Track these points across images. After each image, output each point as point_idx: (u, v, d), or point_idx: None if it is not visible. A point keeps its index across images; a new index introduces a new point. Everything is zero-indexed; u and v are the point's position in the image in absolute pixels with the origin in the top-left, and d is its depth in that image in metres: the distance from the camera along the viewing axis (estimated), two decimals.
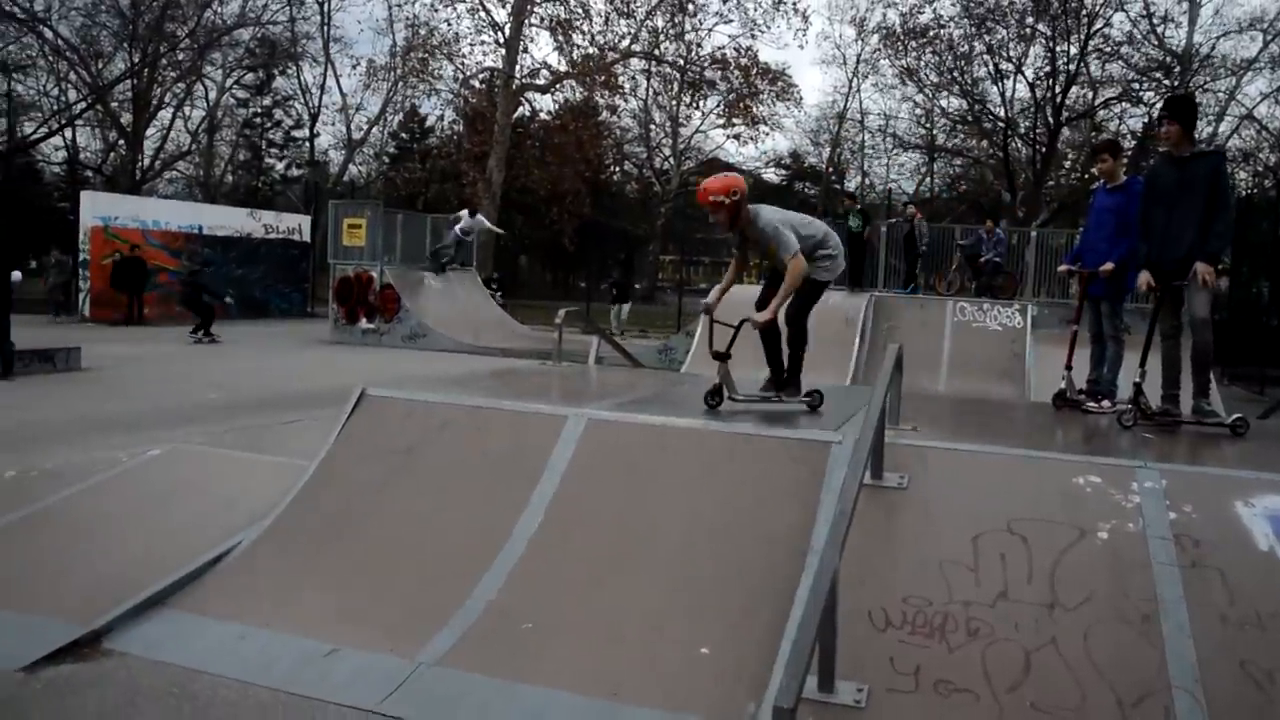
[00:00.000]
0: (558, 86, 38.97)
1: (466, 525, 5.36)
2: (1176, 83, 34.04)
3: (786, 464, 5.41)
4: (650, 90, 46.81)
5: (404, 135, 51.94)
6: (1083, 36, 35.78)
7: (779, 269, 6.59)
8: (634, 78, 42.79)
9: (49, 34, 37.67)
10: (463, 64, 38.92)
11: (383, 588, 5.03)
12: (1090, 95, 38.16)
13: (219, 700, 4.18)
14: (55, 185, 47.05)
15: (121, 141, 42.03)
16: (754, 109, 40.86)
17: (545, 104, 42.15)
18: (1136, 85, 36.69)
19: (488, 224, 25.98)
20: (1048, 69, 37.27)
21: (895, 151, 47.50)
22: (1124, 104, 37.77)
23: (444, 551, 5.22)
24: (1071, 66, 36.63)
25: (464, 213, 25.22)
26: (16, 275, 15.62)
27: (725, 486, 5.37)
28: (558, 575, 4.96)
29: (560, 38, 36.90)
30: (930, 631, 4.28)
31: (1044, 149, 38.61)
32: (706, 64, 40.24)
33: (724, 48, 40.70)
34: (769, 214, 6.59)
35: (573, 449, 5.70)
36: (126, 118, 40.63)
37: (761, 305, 6.67)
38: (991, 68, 39.02)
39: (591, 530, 5.23)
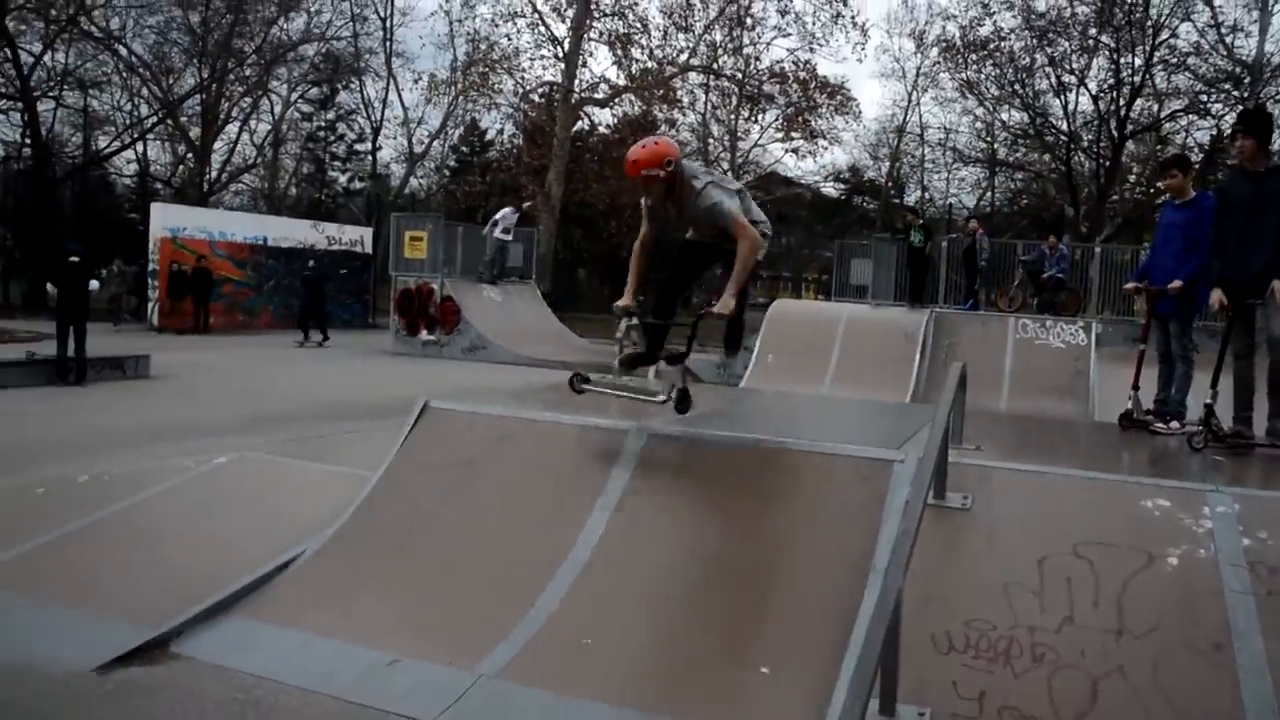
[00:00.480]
0: (616, 100, 39.17)
1: (528, 539, 5.37)
2: (1246, 94, 33.27)
3: (848, 482, 5.35)
4: (708, 104, 46.72)
5: (464, 149, 52.37)
6: (1148, 48, 35.14)
7: (713, 241, 5.85)
8: (692, 91, 42.90)
9: (123, 51, 38.79)
10: (522, 78, 39.27)
11: (444, 599, 5.06)
12: (1156, 108, 37.45)
13: (281, 707, 4.22)
14: (126, 197, 48.22)
15: (190, 154, 43.01)
16: (812, 123, 40.72)
17: (604, 118, 42.40)
18: (1204, 97, 35.92)
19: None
20: (1111, 81, 36.67)
21: (955, 166, 46.92)
22: (1191, 116, 37.03)
23: (505, 564, 5.23)
24: (1136, 78, 35.99)
25: (506, 210, 25.03)
26: (94, 285, 16.00)
27: (787, 504, 5.33)
28: (618, 591, 4.96)
29: (619, 52, 37.11)
30: (994, 656, 4.21)
31: (1108, 163, 37.95)
32: (765, 78, 40.23)
33: (782, 61, 40.63)
34: (705, 178, 5.70)
35: (634, 464, 5.70)
36: (195, 131, 41.60)
37: (670, 288, 6.20)
38: (1054, 80, 38.51)
39: (652, 546, 5.22)
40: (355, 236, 33.46)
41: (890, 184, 51.14)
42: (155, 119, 41.27)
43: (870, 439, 6.19)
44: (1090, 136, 38.86)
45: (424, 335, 23.29)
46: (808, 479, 5.46)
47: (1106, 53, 36.36)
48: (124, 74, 39.99)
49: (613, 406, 7.68)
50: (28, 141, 39.35)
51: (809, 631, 4.54)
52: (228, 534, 6.09)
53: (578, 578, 5.07)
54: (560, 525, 5.41)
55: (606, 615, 4.80)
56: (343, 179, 53.67)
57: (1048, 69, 38.05)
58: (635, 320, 5.78)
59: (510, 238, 24.52)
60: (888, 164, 50.62)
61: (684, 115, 43.50)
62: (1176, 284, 7.39)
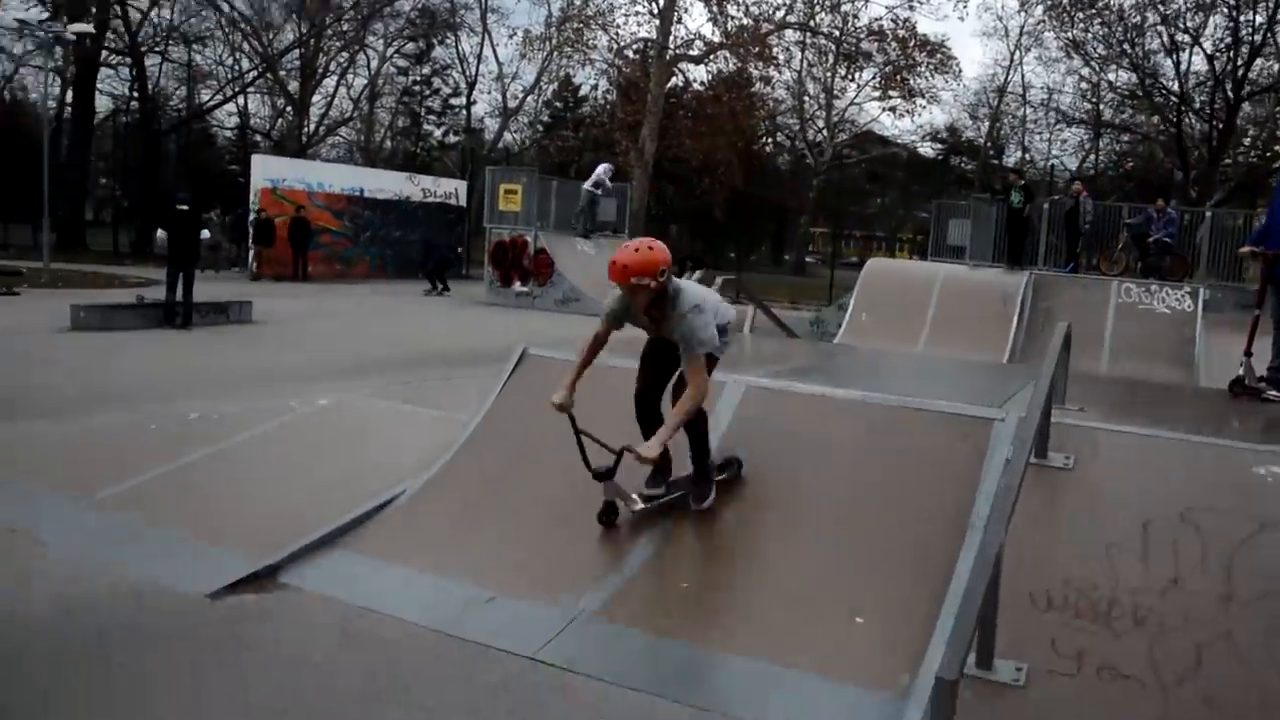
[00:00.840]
0: (711, 57, 38.72)
1: None
2: None
3: (948, 439, 5.31)
4: (805, 62, 45.96)
5: (558, 104, 52.41)
6: (1271, 4, 33.56)
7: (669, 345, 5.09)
8: (788, 49, 42.17)
9: (226, 8, 39.53)
10: (617, 34, 38.98)
11: (541, 540, 5.15)
12: (1276, 68, 35.84)
13: (384, 638, 4.35)
14: (227, 149, 49.38)
15: (289, 108, 43.81)
16: (911, 82, 39.81)
17: (699, 75, 41.97)
18: None
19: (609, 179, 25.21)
20: (1229, 40, 35.15)
21: (1058, 127, 45.53)
22: None
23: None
24: (1257, 37, 34.45)
25: (604, 166, 25.02)
26: (206, 234, 16.50)
27: (884, 459, 5.31)
28: (714, 537, 5.00)
29: (714, 8, 36.59)
30: (1095, 616, 4.16)
31: (1221, 125, 36.46)
32: (863, 35, 39.43)
33: (881, 19, 39.69)
34: (692, 296, 4.97)
35: (731, 414, 5.71)
36: (294, 85, 42.37)
37: (650, 388, 5.26)
38: (1165, 39, 36.98)
39: (749, 496, 5.25)
40: (450, 189, 33.78)
41: (989, 145, 49.96)
42: (255, 73, 42.10)
43: (969, 397, 6.12)
44: (1203, 98, 37.35)
45: (517, 287, 23.52)
46: (905, 435, 5.43)
47: (1225, 10, 34.83)
48: (226, 29, 40.91)
49: None
50: (135, 96, 40.48)
51: (904, 584, 4.53)
52: (331, 472, 6.27)
53: (674, 523, 5.12)
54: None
55: (702, 561, 4.85)
56: (437, 133, 54.18)
57: (1159, 27, 36.59)
58: (574, 425, 5.03)
59: (601, 192, 24.50)
60: (987, 124, 49.48)
61: (779, 73, 42.90)
62: None
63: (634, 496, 5.15)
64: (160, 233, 14.99)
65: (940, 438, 5.34)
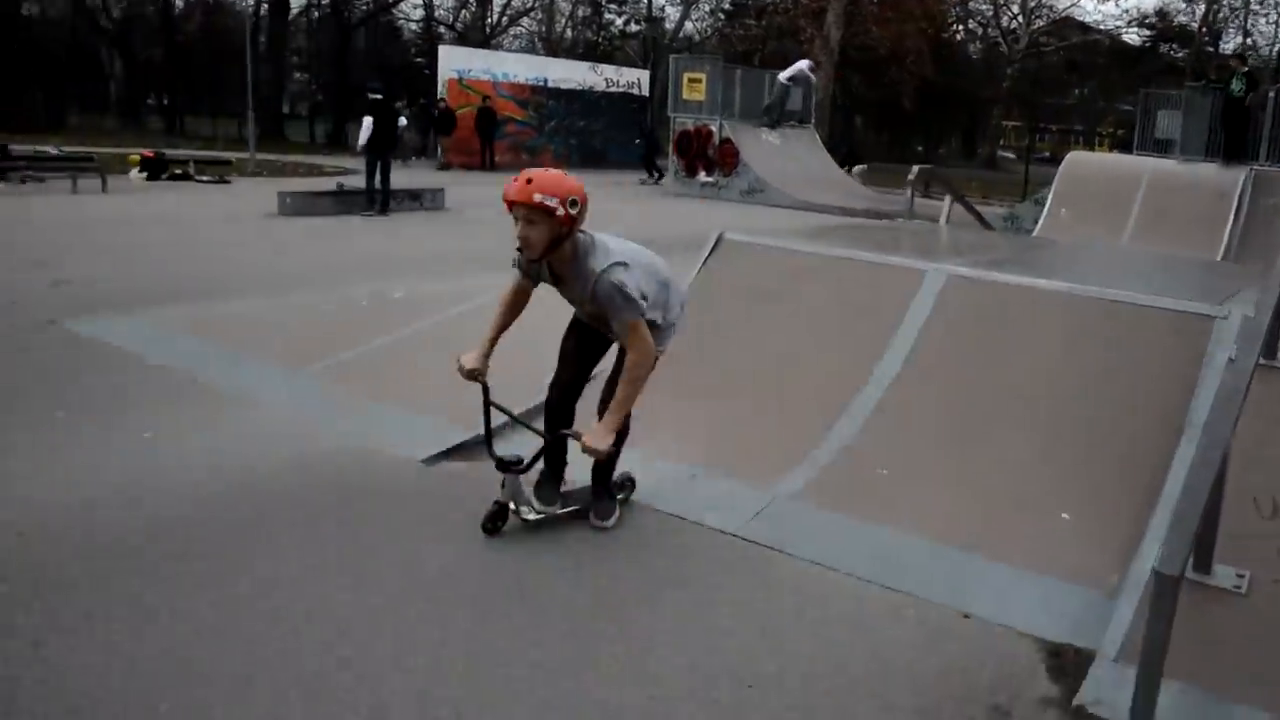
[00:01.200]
0: None
1: (825, 368, 5.43)
2: None
3: (1163, 335, 5.08)
4: None
5: None
6: None
7: (599, 327, 4.29)
8: None
9: None
10: None
11: (741, 420, 5.22)
12: None
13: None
14: (413, 42, 50.35)
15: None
16: None
17: None
18: None
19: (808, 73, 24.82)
20: None
21: None
22: None
23: (802, 390, 5.33)
24: None
25: (805, 63, 24.60)
26: (403, 121, 17.03)
27: (1094, 354, 5.12)
28: (914, 425, 4.96)
29: None
30: None
31: None
32: None
33: None
34: (615, 251, 4.01)
35: (932, 303, 5.60)
36: None
37: (574, 375, 4.43)
38: None
39: (950, 385, 5.16)
40: (632, 79, 33.71)
41: (1204, 30, 46.25)
42: None
43: (1184, 293, 5.80)
44: None
45: (702, 176, 23.42)
46: (1116, 329, 5.22)
47: None
48: None
49: (907, 246, 7.54)
50: None
51: (1113, 482, 4.41)
52: (528, 349, 6.44)
53: (873, 409, 5.10)
54: (858, 357, 5.43)
55: (902, 448, 4.82)
56: (619, 22, 53.79)
57: None
58: (486, 396, 4.26)
59: (792, 84, 24.05)
60: (1203, 6, 45.71)
61: None
62: None
63: (533, 503, 4.26)
64: (367, 120, 15.47)
65: (1154, 334, 5.11)
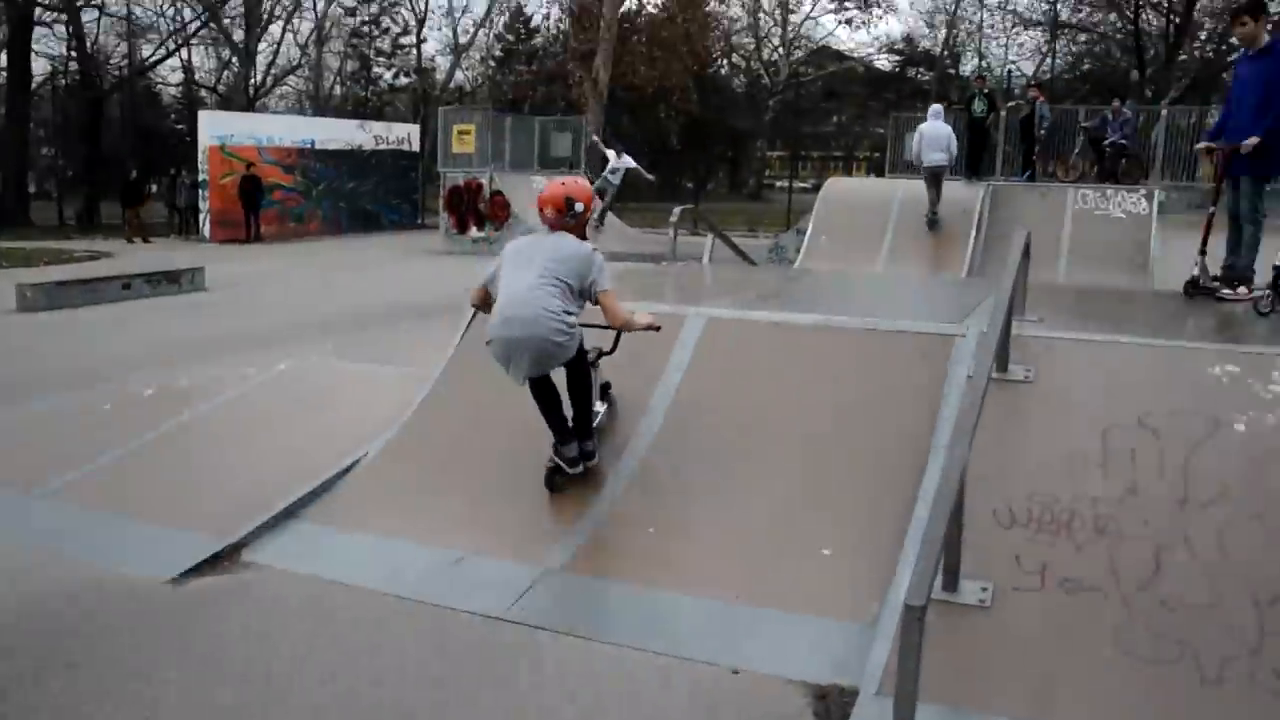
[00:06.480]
0: None
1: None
2: None
3: (909, 359, 5.34)
4: None
5: (510, 37, 51.55)
6: None
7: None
8: None
9: None
10: None
11: (507, 496, 5.15)
12: None
13: (353, 609, 4.32)
14: (173, 107, 48.30)
15: (234, 59, 42.77)
16: None
17: None
18: None
19: (634, 164, 23.96)
20: None
21: (1015, 30, 45.41)
22: None
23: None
24: None
25: (610, 153, 23.55)
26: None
27: (850, 384, 5.33)
28: (680, 476, 5.01)
29: None
30: (1057, 529, 4.21)
31: (1178, 19, 36.36)
32: None
33: None
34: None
35: (692, 348, 5.70)
36: (239, 34, 41.28)
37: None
38: None
39: (713, 430, 5.26)
40: (402, 134, 33.26)
41: (946, 53, 49.65)
42: (198, 23, 41.00)
43: (929, 314, 6.13)
44: None
45: (474, 232, 23.25)
46: (867, 357, 5.45)
47: None
48: None
49: (670, 291, 7.68)
50: (73, 55, 39.35)
51: (871, 511, 4.58)
52: (292, 440, 6.20)
53: (639, 467, 5.13)
54: (623, 414, 5.46)
55: (669, 503, 4.86)
56: (388, 76, 53.21)
57: None
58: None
59: (616, 179, 22.59)
60: (944, 31, 49.12)
61: None
62: (1252, 141, 6.96)
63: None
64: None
65: (901, 358, 5.37)
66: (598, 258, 4.85)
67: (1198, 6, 36.91)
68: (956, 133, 18.65)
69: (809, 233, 17.06)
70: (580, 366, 4.90)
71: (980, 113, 18.27)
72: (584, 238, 5.03)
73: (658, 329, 5.07)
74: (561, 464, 5.00)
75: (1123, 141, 18.63)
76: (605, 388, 5.44)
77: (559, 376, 4.92)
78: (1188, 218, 14.61)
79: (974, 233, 15.93)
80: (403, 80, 52.05)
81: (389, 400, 6.39)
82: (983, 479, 4.32)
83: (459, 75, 48.29)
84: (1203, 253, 7.46)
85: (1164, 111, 19.82)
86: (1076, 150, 19.73)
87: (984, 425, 4.14)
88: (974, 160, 18.45)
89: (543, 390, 4.94)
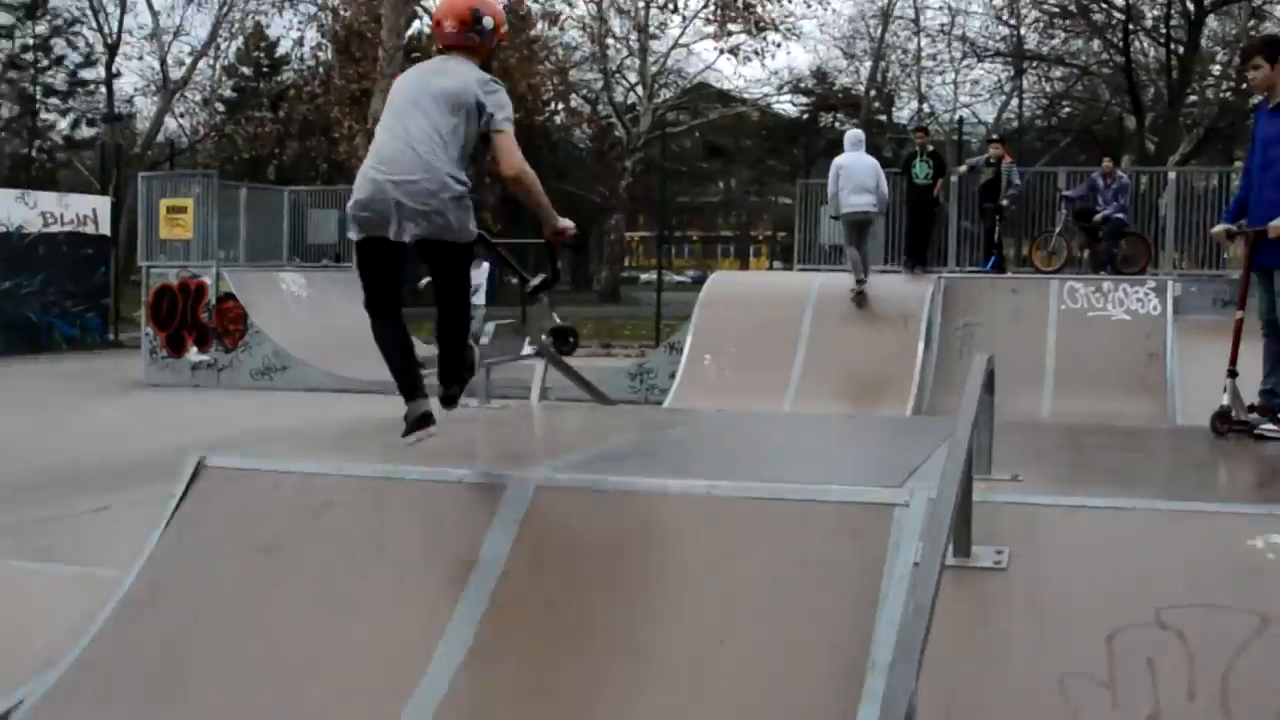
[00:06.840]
0: None
1: (365, 654, 5.33)
2: None
3: (832, 540, 5.37)
4: None
5: (246, 71, 51.85)
6: None
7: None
8: None
9: None
10: None
11: None
12: None
13: None
14: None
15: None
16: (757, 9, 40.94)
17: None
18: None
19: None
20: None
21: (966, 63, 47.48)
22: None
23: (341, 678, 5.22)
24: None
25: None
26: None
27: (747, 575, 5.32)
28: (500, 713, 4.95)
29: None
30: None
31: (1181, 49, 38.42)
32: None
33: None
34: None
35: (514, 532, 5.68)
36: None
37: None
38: None
39: (549, 648, 5.20)
40: (85, 210, 32.72)
41: (874, 93, 51.52)
42: None
43: (858, 474, 6.23)
44: (1156, 12, 39.25)
45: (193, 355, 22.88)
46: (770, 538, 5.47)
47: None
48: None
49: (483, 448, 7.67)
50: None
51: None
52: None
53: (443, 700, 5.04)
54: (413, 630, 5.38)
55: None
56: (64, 123, 52.75)
57: None
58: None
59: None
60: (869, 64, 51.00)
61: (570, 5, 43.51)
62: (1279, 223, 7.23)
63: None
64: None
65: (821, 539, 5.40)
66: (497, 87, 5.68)
67: (1205, 33, 39.09)
68: (891, 207, 19.06)
69: (686, 351, 17.23)
70: (462, 265, 5.29)
71: (924, 178, 18.77)
72: (488, 68, 5.77)
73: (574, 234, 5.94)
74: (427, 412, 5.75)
75: (1119, 215, 19.25)
76: (566, 334, 5.75)
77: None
78: (1216, 319, 15.10)
79: (920, 346, 16.33)
80: (86, 131, 51.67)
81: (63, 614, 6.18)
82: (943, 711, 4.37)
83: (170, 124, 48.13)
84: (1232, 373, 7.65)
85: (1171, 174, 20.74)
86: (1058, 229, 20.40)
87: (942, 633, 4.19)
88: (917, 244, 18.87)
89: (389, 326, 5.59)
